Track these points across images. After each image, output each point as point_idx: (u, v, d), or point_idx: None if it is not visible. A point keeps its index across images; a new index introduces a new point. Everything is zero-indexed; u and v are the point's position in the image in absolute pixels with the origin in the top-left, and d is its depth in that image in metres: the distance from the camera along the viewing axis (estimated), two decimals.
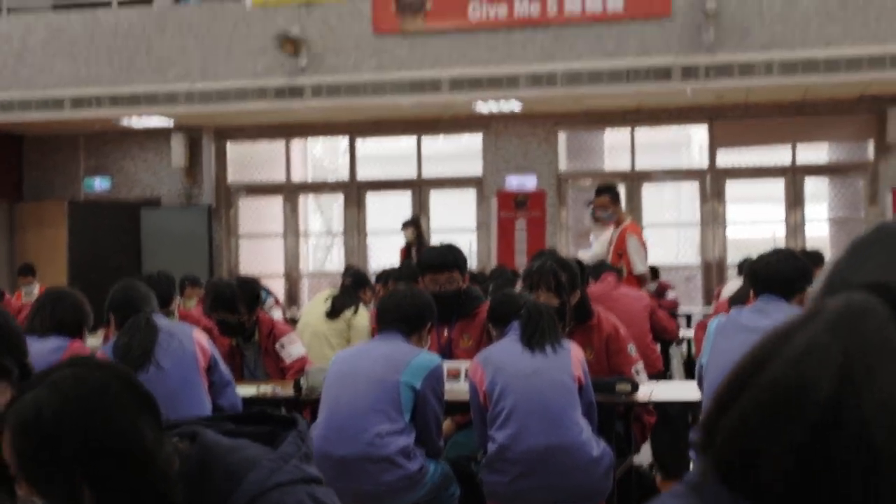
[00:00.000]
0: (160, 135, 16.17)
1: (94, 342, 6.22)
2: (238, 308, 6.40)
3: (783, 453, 1.04)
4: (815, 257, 9.40)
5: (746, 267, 9.56)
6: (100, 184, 16.75)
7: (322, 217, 19.21)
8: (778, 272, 4.99)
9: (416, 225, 13.16)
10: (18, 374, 2.36)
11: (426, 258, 6.39)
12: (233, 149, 16.81)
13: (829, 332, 1.08)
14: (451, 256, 6.31)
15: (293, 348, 6.56)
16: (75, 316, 5.41)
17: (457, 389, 5.54)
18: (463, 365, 5.79)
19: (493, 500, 5.18)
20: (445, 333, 6.30)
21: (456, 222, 15.94)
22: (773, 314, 4.73)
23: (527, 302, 5.31)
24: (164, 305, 6.10)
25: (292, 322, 9.69)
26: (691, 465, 5.29)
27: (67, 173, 16.82)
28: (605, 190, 10.70)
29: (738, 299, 8.35)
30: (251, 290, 6.54)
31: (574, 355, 5.16)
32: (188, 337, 5.41)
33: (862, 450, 1.01)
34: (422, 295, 5.47)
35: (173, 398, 5.29)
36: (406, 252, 13.16)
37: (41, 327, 5.25)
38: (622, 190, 15.85)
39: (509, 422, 4.97)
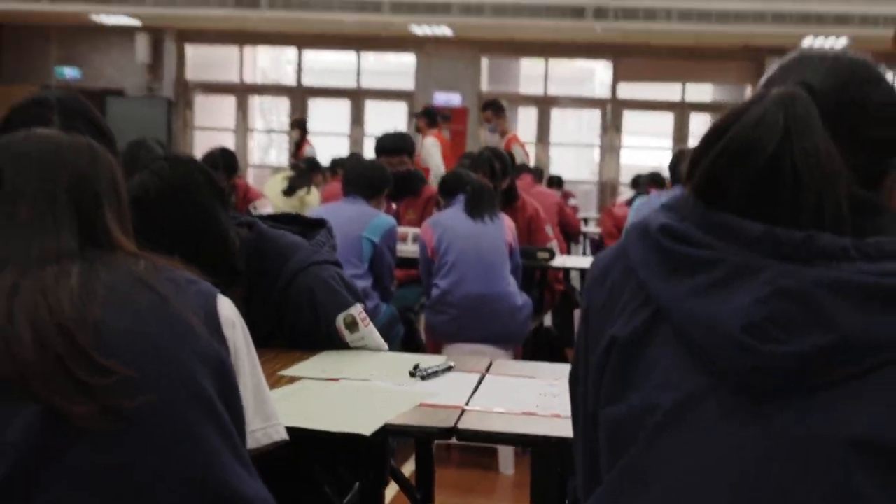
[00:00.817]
0: (126, 33, 16.13)
1: None
2: (219, 172, 6.75)
3: (740, 182, 1.48)
4: None
5: (644, 177, 10.21)
6: (69, 73, 16.73)
7: (266, 118, 19.36)
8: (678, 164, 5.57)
9: (301, 126, 13.07)
10: None
11: (382, 143, 6.77)
12: (192, 50, 16.88)
13: (773, 107, 1.51)
14: (402, 143, 6.74)
15: (263, 210, 6.94)
16: None
17: (404, 249, 5.97)
18: (410, 230, 6.24)
19: (433, 338, 5.65)
20: (394, 207, 6.72)
21: (388, 129, 16.19)
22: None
23: (472, 180, 5.75)
24: None
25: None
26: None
27: (41, 61, 16.76)
28: (489, 105, 10.96)
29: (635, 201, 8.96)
30: (231, 159, 6.88)
31: (507, 225, 5.62)
32: None
33: (789, 184, 1.46)
34: (382, 167, 5.89)
35: None
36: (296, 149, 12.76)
37: None
38: (534, 113, 16.39)
39: (452, 272, 5.44)
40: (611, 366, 1.48)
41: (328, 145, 15.67)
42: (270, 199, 8.50)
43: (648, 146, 17.14)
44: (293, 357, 2.65)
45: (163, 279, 1.76)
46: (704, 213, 1.45)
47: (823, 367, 1.32)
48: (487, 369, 2.69)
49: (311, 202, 8.56)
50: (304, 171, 9.13)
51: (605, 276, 1.55)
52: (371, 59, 16.91)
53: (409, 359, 2.70)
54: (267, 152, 18.95)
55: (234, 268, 2.72)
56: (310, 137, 16.43)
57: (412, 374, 2.49)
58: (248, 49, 17.15)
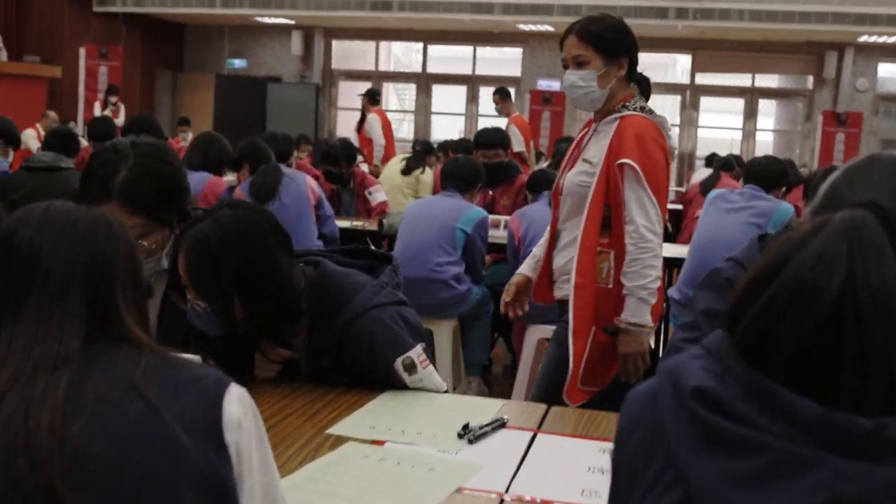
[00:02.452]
0: (284, 30, 15.96)
1: (230, 178, 6.16)
2: (340, 162, 6.32)
3: (795, 337, 0.97)
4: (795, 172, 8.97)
5: (717, 160, 9.44)
6: (238, 63, 16.59)
7: (400, 98, 19.01)
8: (764, 169, 4.91)
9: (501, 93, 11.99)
10: (179, 218, 2.31)
11: (479, 137, 6.27)
12: (337, 44, 16.54)
13: (837, 240, 0.99)
14: (497, 137, 6.20)
15: (378, 195, 6.49)
16: (220, 155, 5.32)
17: (496, 235, 5.47)
18: (502, 218, 5.72)
19: (518, 318, 5.12)
20: (490, 193, 6.23)
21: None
22: (753, 200, 4.70)
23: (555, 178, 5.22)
24: (284, 159, 5.99)
25: (374, 176, 9.57)
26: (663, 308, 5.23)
27: (216, 54, 16.68)
28: (497, 91, 10.50)
29: (708, 184, 8.24)
30: (350, 150, 6.45)
31: None
32: (302, 182, 5.34)
33: (854, 339, 0.94)
34: (475, 162, 5.38)
35: (290, 226, 5.19)
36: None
37: (196, 163, 5.19)
38: None
39: None
40: None
41: (448, 123, 15.25)
42: (391, 177, 8.07)
43: (722, 125, 16.24)
44: (347, 402, 2.15)
45: (161, 383, 1.29)
46: (748, 374, 0.97)
47: None
48: (541, 422, 2.13)
49: (425, 181, 8.07)
50: (419, 153, 8.63)
51: (634, 427, 1.07)
52: (485, 50, 16.29)
53: (463, 408, 2.17)
54: (400, 126, 18.58)
55: (297, 311, 2.25)
56: (434, 119, 16.10)
57: (460, 436, 1.96)
58: (382, 43, 16.72)
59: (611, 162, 2.85)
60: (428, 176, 8.20)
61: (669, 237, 7.08)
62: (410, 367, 2.23)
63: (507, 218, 5.44)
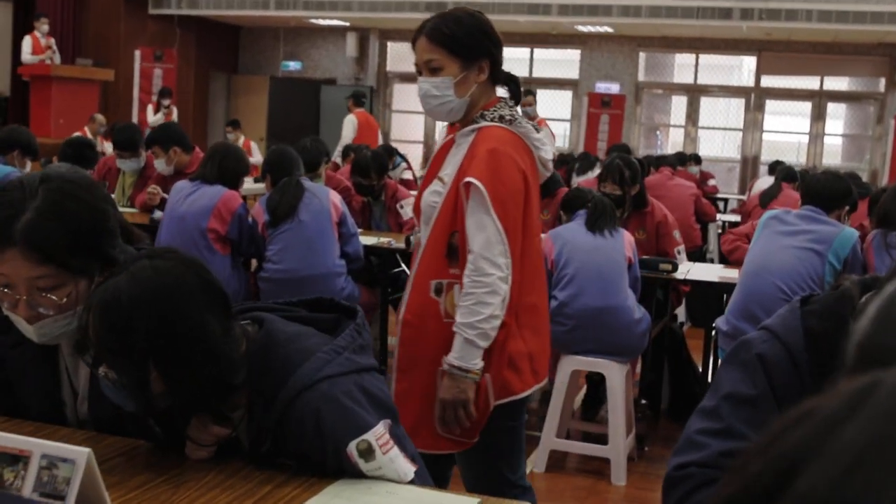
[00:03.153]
0: (339, 32, 15.74)
1: (260, 187, 5.82)
2: (370, 174, 5.94)
3: None
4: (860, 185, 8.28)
5: (779, 170, 8.86)
6: (293, 65, 16.40)
7: None
8: (824, 188, 4.39)
9: (533, 94, 11.50)
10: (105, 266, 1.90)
11: None
12: (392, 46, 16.24)
13: (890, 429, 0.56)
14: None
15: (409, 209, 6.09)
16: (237, 167, 5.00)
17: None
18: (541, 236, 5.28)
19: (552, 346, 4.70)
20: None
21: (556, 114, 15.21)
22: (811, 224, 4.21)
23: (594, 196, 4.77)
24: (312, 169, 5.64)
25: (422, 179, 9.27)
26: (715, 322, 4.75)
27: (270, 56, 16.51)
28: (528, 92, 10.23)
29: (768, 195, 7.69)
30: (381, 161, 6.06)
31: (626, 239, 4.61)
32: (325, 197, 4.97)
33: None
34: None
35: (311, 244, 4.91)
36: None
37: (210, 176, 4.86)
38: (684, 100, 15.08)
39: (570, 284, 4.47)
40: None
41: None
42: None
43: (788, 130, 15.56)
44: (286, 496, 1.75)
45: None
46: None
47: None
48: None
49: None
50: None
51: None
52: (542, 52, 15.81)
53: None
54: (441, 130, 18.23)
55: (231, 382, 1.84)
56: None
57: None
58: None
59: (459, 180, 2.48)
60: None
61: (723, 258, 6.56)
62: (367, 452, 1.80)
63: (544, 237, 5.00)
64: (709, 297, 5.37)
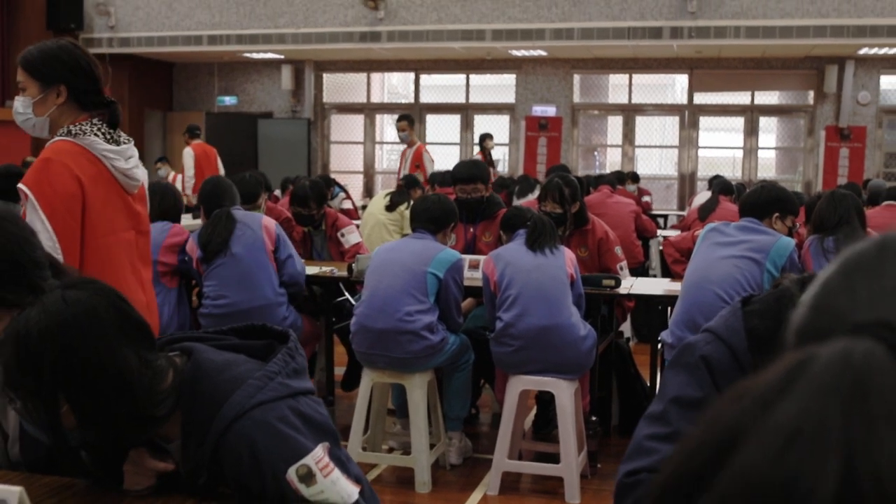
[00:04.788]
0: (273, 65, 15.65)
1: (197, 223, 5.77)
2: (309, 204, 5.89)
3: None
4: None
5: (715, 184, 8.99)
6: (228, 100, 16.27)
7: (393, 130, 18.63)
8: (757, 198, 4.46)
9: (408, 120, 11.04)
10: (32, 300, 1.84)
11: (457, 172, 5.81)
12: (327, 77, 16.16)
13: (823, 403, 0.54)
14: (476, 171, 5.76)
15: (351, 237, 6.05)
16: (175, 205, 5.06)
17: (478, 276, 5.01)
18: (482, 258, 5.25)
19: (499, 367, 4.68)
20: (471, 231, 5.78)
21: (495, 138, 15.32)
22: (749, 234, 4.25)
23: (533, 215, 4.77)
24: (251, 201, 5.57)
25: (363, 209, 9.21)
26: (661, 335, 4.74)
27: (205, 92, 16.36)
28: (404, 117, 10.43)
29: (706, 209, 7.78)
30: (320, 191, 6.01)
31: (567, 256, 4.62)
32: (258, 224, 4.92)
33: None
34: (446, 200, 4.91)
35: (246, 277, 4.85)
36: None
37: (153, 214, 4.80)
38: (620, 120, 15.25)
39: (514, 305, 4.46)
40: None
41: (443, 153, 14.87)
42: (375, 214, 7.65)
43: (722, 145, 15.79)
44: None
45: None
46: None
47: None
48: None
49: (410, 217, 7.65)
50: (403, 188, 8.19)
51: None
52: (478, 78, 15.90)
53: None
54: (393, 160, 18.22)
55: (150, 415, 1.78)
56: (429, 149, 15.74)
57: None
58: (374, 75, 16.33)
59: None
60: None
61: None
62: (307, 477, 1.75)
63: (486, 258, 4.98)
64: (653, 313, 5.38)
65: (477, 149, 13.31)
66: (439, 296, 4.57)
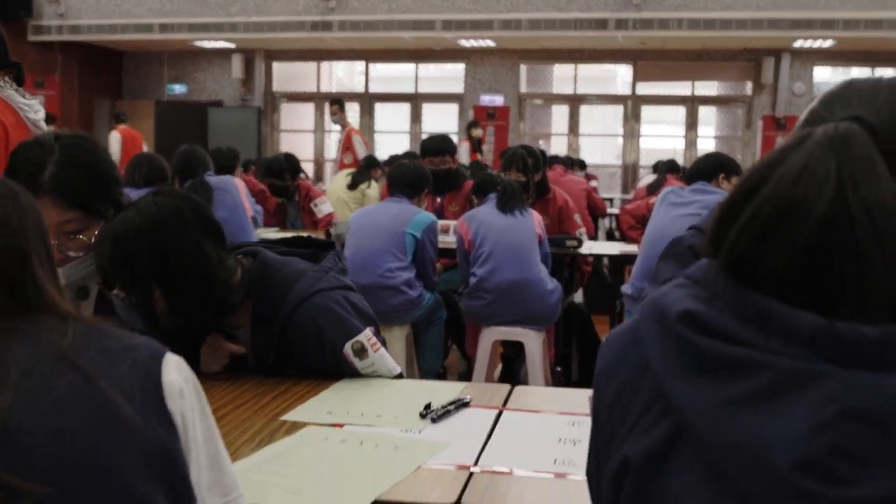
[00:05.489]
0: (224, 54, 15.80)
1: None
2: (284, 175, 6.21)
3: (783, 257, 0.89)
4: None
5: (662, 163, 9.49)
6: (178, 89, 16.39)
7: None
8: (702, 166, 4.89)
9: (339, 104, 11.56)
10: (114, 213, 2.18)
11: (427, 145, 6.19)
12: (278, 66, 16.38)
13: (820, 152, 0.91)
14: (444, 144, 6.14)
15: (324, 207, 6.39)
16: (161, 173, 5.28)
17: (446, 240, 5.39)
18: (451, 223, 5.64)
19: (472, 320, 5.07)
20: (438, 201, 6.16)
21: (442, 128, 15.66)
22: (701, 195, 4.69)
23: (503, 180, 5.17)
24: (227, 173, 5.88)
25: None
26: (617, 305, 5.19)
27: (155, 80, 16.46)
28: (335, 101, 10.93)
29: (654, 186, 8.25)
30: (295, 163, 6.34)
31: (535, 218, 5.02)
32: (233, 187, 5.24)
33: (850, 258, 0.86)
34: (420, 168, 5.28)
35: (234, 240, 5.15)
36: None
37: (139, 181, 5.09)
38: (565, 110, 15.72)
39: (487, 261, 4.84)
40: (625, 493, 0.91)
41: (392, 142, 15.21)
42: (337, 192, 7.98)
43: (664, 134, 16.36)
44: (301, 391, 2.05)
45: (93, 350, 1.17)
46: (737, 294, 0.88)
47: None
48: (506, 401, 2.04)
49: (372, 195, 8.01)
50: (363, 167, 8.54)
51: (617, 366, 0.98)
52: (427, 68, 16.26)
53: (423, 390, 2.08)
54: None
55: (228, 301, 2.13)
56: (378, 137, 16.09)
57: (423, 416, 1.87)
58: (324, 64, 16.60)
59: None
60: (374, 190, 8.13)
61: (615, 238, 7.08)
62: (360, 352, 2.13)
63: (456, 222, 5.36)
64: (604, 285, 5.83)
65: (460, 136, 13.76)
66: (416, 255, 4.92)
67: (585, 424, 1.72)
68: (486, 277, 4.84)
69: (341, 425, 1.80)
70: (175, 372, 1.23)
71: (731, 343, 0.86)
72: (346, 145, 10.75)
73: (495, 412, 1.93)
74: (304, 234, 2.48)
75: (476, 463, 1.61)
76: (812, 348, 0.83)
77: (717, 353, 0.87)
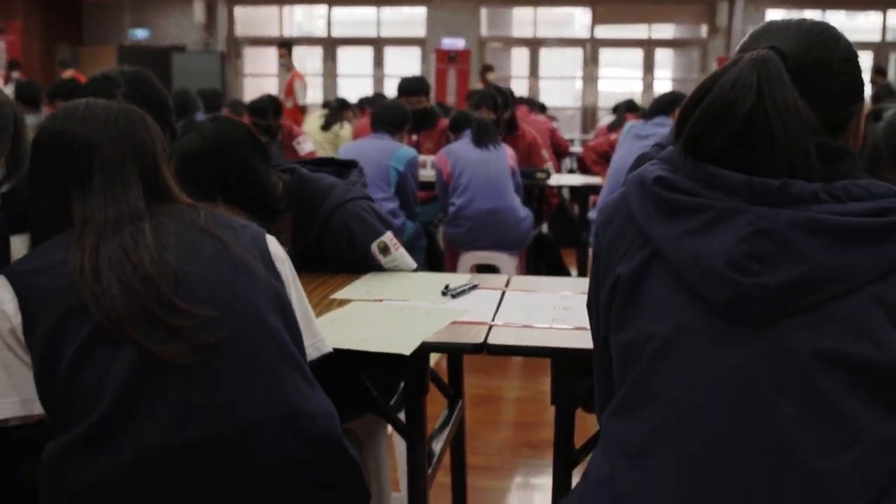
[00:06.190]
0: None
1: None
2: (267, 115, 6.61)
3: (722, 138, 1.36)
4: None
5: (622, 104, 10.01)
6: (140, 33, 16.55)
7: (302, 64, 19.12)
8: (659, 100, 5.38)
9: (287, 47, 12.20)
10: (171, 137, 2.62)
11: (402, 86, 6.61)
12: (240, 10, 16.59)
13: (747, 70, 1.38)
14: (419, 85, 6.59)
15: (305, 145, 6.80)
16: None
17: (424, 174, 5.85)
18: (428, 158, 6.10)
19: (451, 246, 5.55)
20: (414, 138, 6.60)
21: (405, 71, 15.96)
22: (660, 128, 5.18)
23: (476, 118, 5.63)
24: (216, 111, 6.27)
25: None
26: (583, 235, 5.70)
27: (116, 26, 16.59)
28: (283, 44, 11.46)
29: (614, 125, 8.77)
30: (277, 104, 6.74)
31: (508, 152, 5.49)
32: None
33: (765, 138, 1.34)
34: (402, 106, 5.72)
35: None
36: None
37: None
38: (526, 53, 16.14)
39: (465, 192, 5.31)
40: (616, 300, 1.40)
41: (355, 86, 15.54)
42: (311, 133, 8.37)
43: (622, 77, 16.85)
44: (340, 281, 2.54)
45: (221, 226, 1.67)
46: (692, 165, 1.36)
47: (795, 296, 1.25)
48: (507, 285, 2.55)
49: (344, 135, 8.43)
50: (335, 109, 8.95)
51: (610, 222, 1.46)
52: (389, 12, 16.56)
53: (440, 279, 2.57)
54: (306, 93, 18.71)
55: (275, 208, 2.60)
56: (340, 81, 16.39)
57: (444, 294, 2.37)
58: (286, 8, 16.84)
59: None
60: (346, 130, 8.54)
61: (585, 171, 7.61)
62: (385, 250, 2.62)
63: (433, 157, 5.82)
64: (569, 220, 6.35)
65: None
66: (399, 187, 5.38)
67: (574, 300, 2.23)
68: (465, 206, 5.33)
69: (381, 300, 2.29)
70: (275, 245, 1.73)
71: (689, 195, 1.35)
72: (288, 90, 11.16)
73: (500, 292, 2.44)
74: (328, 157, 2.96)
75: (493, 320, 2.12)
76: (738, 195, 1.31)
77: (679, 202, 1.36)
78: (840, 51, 1.46)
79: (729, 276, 1.26)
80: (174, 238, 1.60)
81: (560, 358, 1.96)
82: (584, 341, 1.49)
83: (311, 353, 1.74)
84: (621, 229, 1.43)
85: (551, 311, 2.22)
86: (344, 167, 2.87)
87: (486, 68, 13.59)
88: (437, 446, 2.41)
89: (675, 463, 1.27)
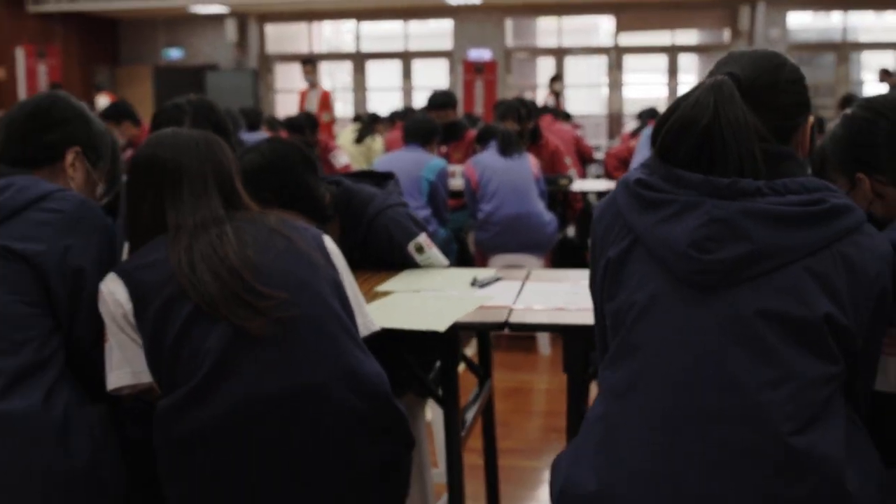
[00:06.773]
0: (218, 18, 16.44)
1: None
2: (304, 130, 7.03)
3: (686, 147, 1.72)
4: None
5: (644, 111, 10.35)
6: (174, 53, 17.06)
7: (332, 79, 19.59)
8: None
9: (312, 64, 12.24)
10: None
11: (431, 100, 7.00)
12: (271, 28, 17.08)
13: (706, 92, 1.72)
14: (447, 99, 6.97)
15: (341, 158, 7.22)
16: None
17: (452, 184, 6.22)
18: (457, 168, 6.48)
19: (480, 250, 5.94)
20: (444, 150, 6.98)
21: (433, 83, 16.42)
22: None
23: (502, 129, 6.02)
24: (256, 129, 6.69)
25: None
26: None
27: (151, 46, 17.13)
28: (308, 61, 11.68)
29: (636, 132, 9.11)
30: (313, 120, 7.16)
31: (532, 161, 5.88)
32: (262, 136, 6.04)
33: (719, 146, 1.70)
34: (431, 120, 6.12)
35: None
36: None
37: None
38: (551, 62, 16.50)
39: (493, 199, 5.70)
40: (608, 277, 1.76)
41: (384, 99, 15.96)
42: (344, 146, 8.79)
43: (647, 83, 17.20)
44: (381, 277, 2.93)
45: (287, 227, 2.05)
46: (664, 168, 1.72)
47: (743, 268, 1.60)
48: (527, 278, 2.95)
49: (376, 148, 8.83)
50: (367, 123, 9.37)
51: (603, 217, 1.82)
52: (416, 25, 16.99)
53: (468, 273, 2.96)
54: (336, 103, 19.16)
55: (325, 216, 2.99)
56: (370, 94, 16.82)
57: (472, 285, 2.76)
58: (315, 24, 17.32)
59: None
60: (378, 143, 8.95)
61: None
62: (420, 249, 3.01)
63: (462, 167, 6.20)
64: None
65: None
66: (431, 196, 5.77)
67: (582, 286, 2.61)
68: (493, 212, 5.71)
69: (418, 291, 2.69)
70: (330, 242, 2.13)
71: (661, 192, 1.73)
72: (324, 105, 11.55)
73: (520, 283, 2.83)
74: (367, 170, 3.37)
75: (514, 303, 2.52)
76: (698, 191, 1.69)
77: (654, 198, 1.74)
78: (786, 73, 1.83)
79: (691, 253, 1.63)
80: (251, 237, 2.00)
81: (571, 333, 2.36)
82: (591, 319, 1.86)
83: (362, 330, 2.13)
84: (611, 222, 1.80)
85: (565, 296, 2.60)
86: (382, 178, 3.27)
87: (555, 79, 13.96)
88: (470, 415, 2.81)
89: (653, 396, 1.63)
